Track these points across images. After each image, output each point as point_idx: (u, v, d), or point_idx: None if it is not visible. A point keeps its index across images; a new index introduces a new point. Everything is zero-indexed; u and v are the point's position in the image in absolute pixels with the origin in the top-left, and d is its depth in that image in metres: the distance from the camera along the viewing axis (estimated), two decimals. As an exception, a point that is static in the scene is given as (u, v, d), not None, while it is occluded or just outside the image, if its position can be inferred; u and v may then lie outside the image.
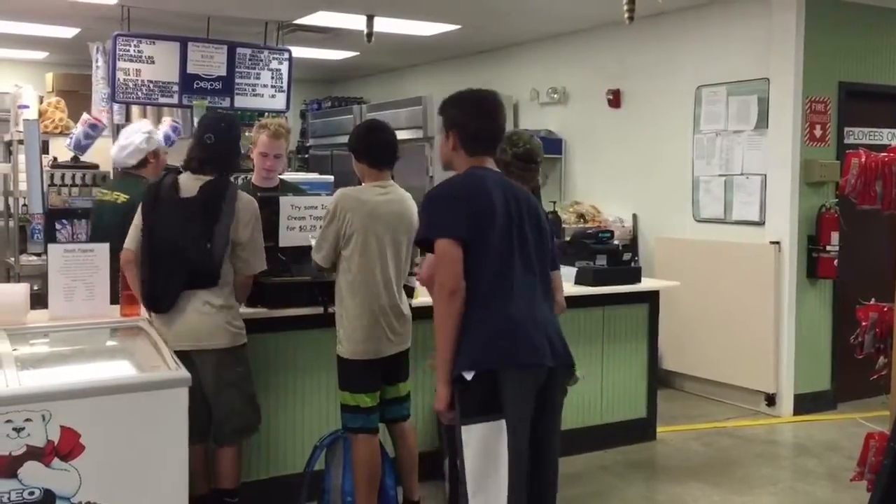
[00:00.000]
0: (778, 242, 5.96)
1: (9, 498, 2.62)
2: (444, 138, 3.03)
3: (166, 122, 6.28)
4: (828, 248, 5.89)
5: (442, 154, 3.07)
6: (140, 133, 4.43)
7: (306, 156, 10.15)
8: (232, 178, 3.76)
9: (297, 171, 9.05)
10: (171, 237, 3.47)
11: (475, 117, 3.00)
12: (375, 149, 3.71)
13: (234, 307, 3.58)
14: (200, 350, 3.43)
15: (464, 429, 2.70)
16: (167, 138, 5.91)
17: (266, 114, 6.55)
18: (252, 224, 3.56)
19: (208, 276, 3.47)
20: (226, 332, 3.50)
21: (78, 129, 5.99)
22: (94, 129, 5.81)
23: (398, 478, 3.84)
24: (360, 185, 3.73)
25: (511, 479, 2.67)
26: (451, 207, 2.85)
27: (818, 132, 5.98)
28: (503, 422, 2.68)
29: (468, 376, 2.71)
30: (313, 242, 3.69)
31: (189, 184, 3.55)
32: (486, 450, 2.67)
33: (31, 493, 2.65)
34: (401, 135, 7.63)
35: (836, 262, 5.91)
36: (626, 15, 5.49)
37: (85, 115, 5.98)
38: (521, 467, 2.71)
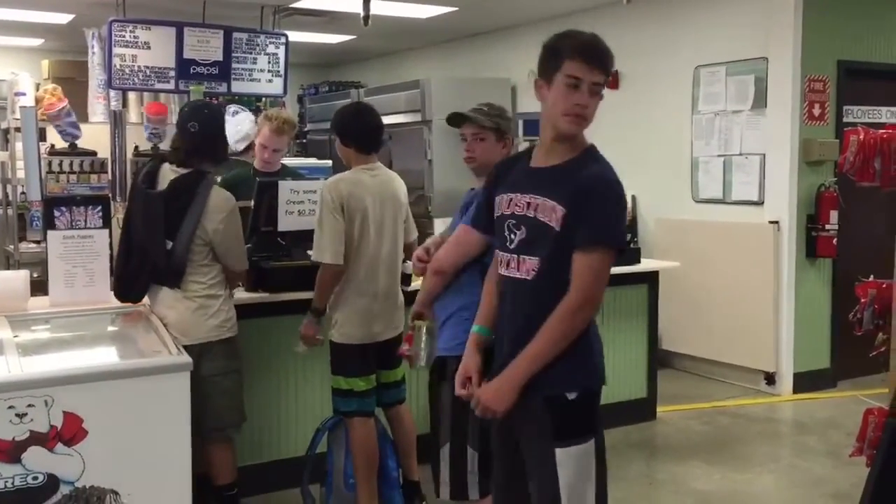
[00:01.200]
0: (777, 222, 5.97)
1: (13, 483, 2.65)
2: (587, 93, 2.47)
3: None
4: (827, 227, 5.89)
5: (592, 112, 2.55)
6: (248, 121, 4.44)
7: (304, 140, 10.11)
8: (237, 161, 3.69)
9: (296, 156, 9.02)
10: (138, 232, 3.42)
11: None
12: (365, 133, 3.66)
13: (215, 299, 3.43)
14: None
15: (560, 451, 2.45)
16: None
17: (265, 99, 6.53)
18: (224, 221, 3.39)
19: (170, 275, 3.37)
20: (200, 326, 3.38)
21: None
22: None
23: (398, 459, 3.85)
24: (346, 170, 3.67)
25: (599, 496, 2.51)
26: (623, 208, 2.51)
27: (817, 111, 5.96)
28: (594, 440, 2.52)
29: (571, 396, 2.48)
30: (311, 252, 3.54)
31: (168, 177, 3.44)
32: (582, 470, 2.48)
33: (35, 478, 2.67)
34: (399, 118, 7.73)
35: (835, 241, 5.92)
36: (623, -6, 5.47)
37: None
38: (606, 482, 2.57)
